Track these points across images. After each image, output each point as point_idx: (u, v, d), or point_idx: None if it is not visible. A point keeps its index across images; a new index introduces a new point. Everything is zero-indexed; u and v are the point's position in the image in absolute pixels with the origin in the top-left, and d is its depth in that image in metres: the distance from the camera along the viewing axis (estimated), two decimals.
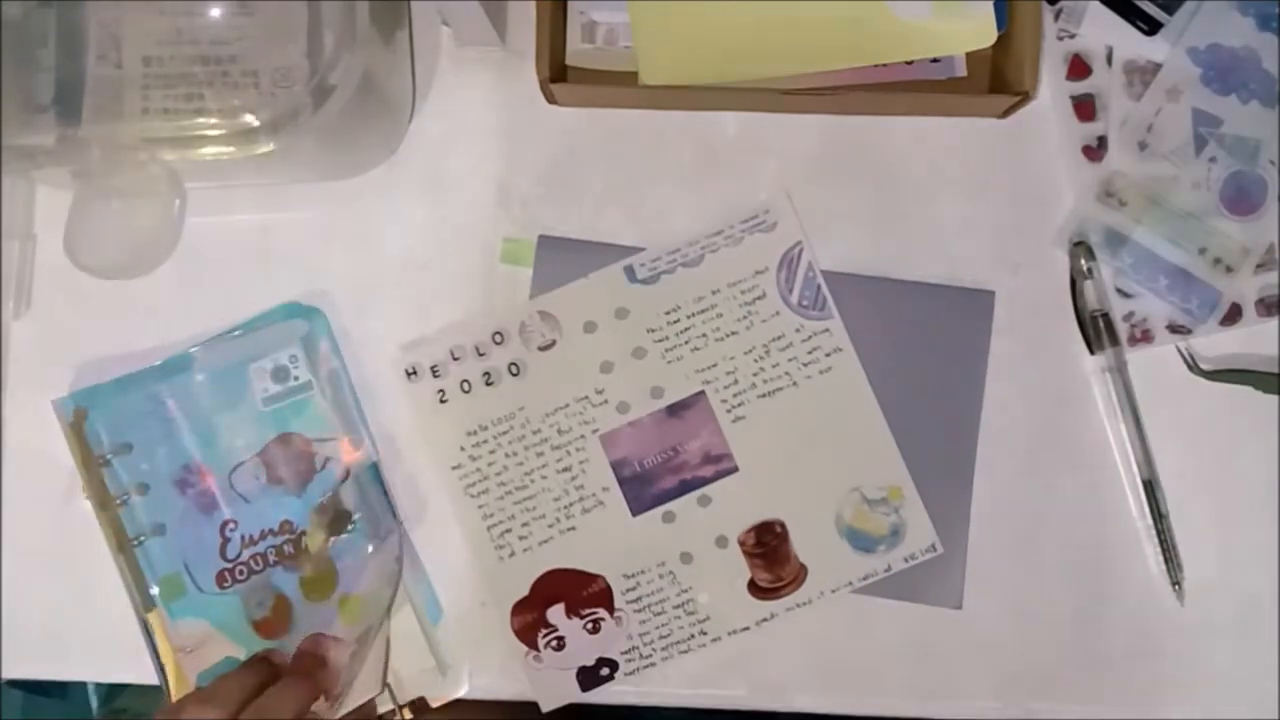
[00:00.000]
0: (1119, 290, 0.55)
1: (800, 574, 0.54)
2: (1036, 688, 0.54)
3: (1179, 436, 0.55)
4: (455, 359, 0.55)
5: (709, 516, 0.55)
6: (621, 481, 0.55)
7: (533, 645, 0.54)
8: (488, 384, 0.55)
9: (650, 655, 0.54)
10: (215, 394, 0.55)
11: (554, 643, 0.54)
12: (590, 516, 0.55)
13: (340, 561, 0.54)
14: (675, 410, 0.55)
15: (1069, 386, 0.55)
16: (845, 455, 0.54)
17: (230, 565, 0.54)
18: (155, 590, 0.54)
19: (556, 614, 0.54)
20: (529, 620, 0.54)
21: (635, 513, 0.55)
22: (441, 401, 0.55)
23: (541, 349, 0.55)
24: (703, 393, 0.55)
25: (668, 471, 0.55)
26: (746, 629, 0.54)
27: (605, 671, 0.55)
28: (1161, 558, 0.54)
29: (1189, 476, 0.54)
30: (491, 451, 0.55)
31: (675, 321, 0.55)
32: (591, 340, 0.55)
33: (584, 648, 0.54)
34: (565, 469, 0.55)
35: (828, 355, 0.55)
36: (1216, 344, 0.55)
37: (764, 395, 0.55)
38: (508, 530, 0.55)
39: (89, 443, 0.55)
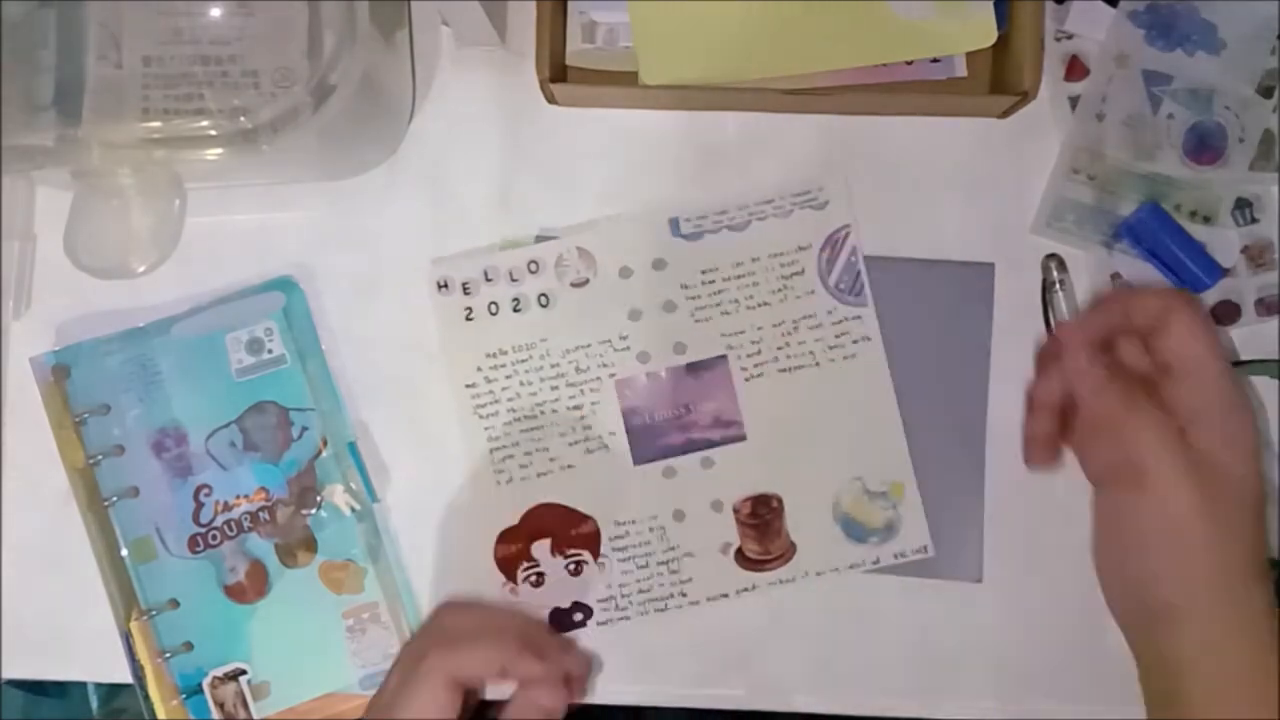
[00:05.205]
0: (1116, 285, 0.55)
1: (789, 551, 0.54)
2: (1037, 687, 0.54)
3: None
4: (488, 280, 0.55)
5: (709, 479, 0.55)
6: (629, 429, 0.55)
7: (511, 577, 0.54)
8: (515, 310, 0.55)
9: (626, 608, 0.54)
10: (194, 360, 0.55)
11: (533, 578, 0.54)
12: (592, 458, 0.55)
13: (320, 531, 0.54)
14: (694, 369, 0.55)
15: None
16: (854, 443, 0.54)
17: (203, 530, 0.54)
18: (125, 552, 0.54)
19: (541, 549, 0.54)
20: (512, 551, 0.54)
21: (637, 462, 0.55)
22: (467, 319, 0.55)
23: (574, 285, 0.55)
24: (724, 357, 0.55)
25: (676, 428, 0.55)
26: (725, 596, 0.54)
27: (579, 617, 0.54)
28: None
29: None
30: (508, 376, 0.55)
31: (710, 282, 0.55)
32: (625, 285, 0.55)
33: (562, 588, 0.54)
34: (576, 407, 0.55)
35: (855, 342, 0.55)
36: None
37: (785, 370, 0.55)
38: (509, 456, 0.55)
39: (69, 400, 0.55)
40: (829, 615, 0.55)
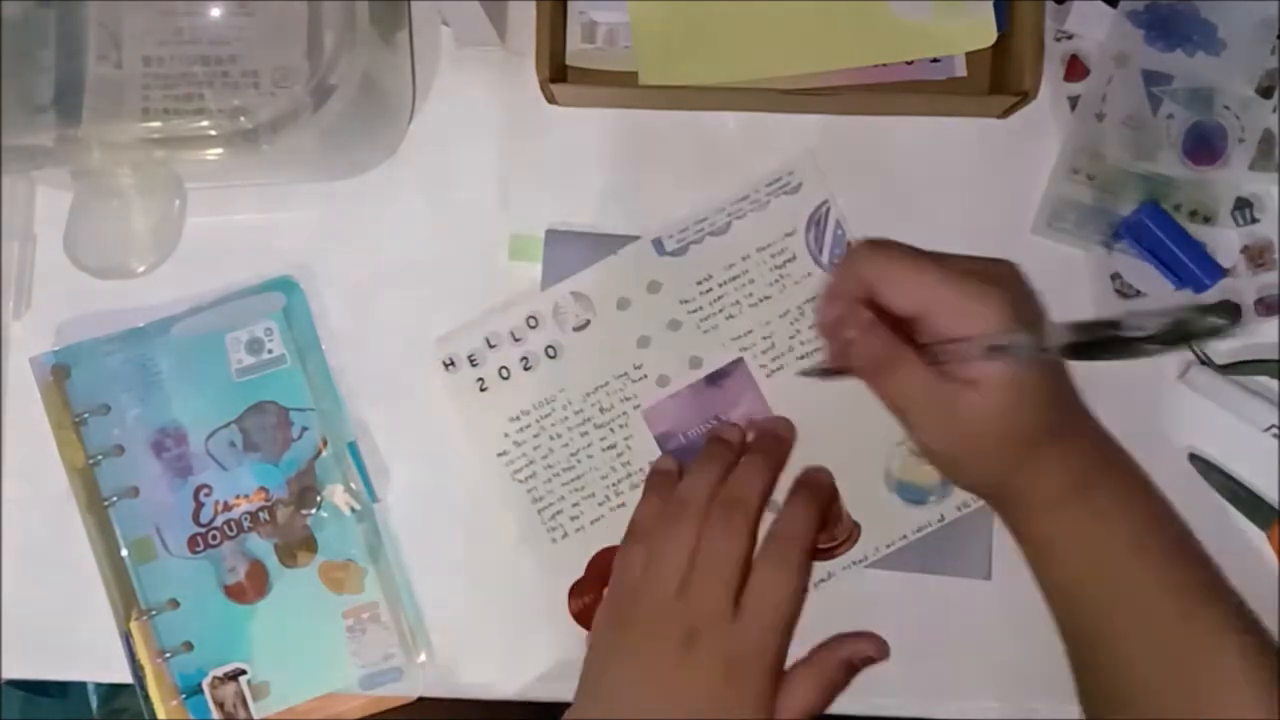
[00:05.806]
0: (1117, 291, 0.55)
1: (854, 532, 0.54)
2: (1037, 687, 0.54)
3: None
4: (491, 346, 0.55)
5: None
6: (667, 454, 0.55)
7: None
8: (526, 369, 0.55)
9: None
10: (194, 360, 0.55)
11: None
12: (639, 492, 0.54)
13: (320, 531, 0.54)
14: (715, 379, 0.55)
15: None
16: None
17: (203, 530, 0.54)
18: (125, 552, 0.54)
19: None
20: (587, 602, 0.54)
21: None
22: (481, 390, 0.55)
23: (576, 329, 0.55)
24: (741, 360, 0.55)
25: None
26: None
27: None
28: None
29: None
30: (536, 435, 0.55)
31: (708, 291, 0.55)
32: (626, 316, 0.55)
33: None
34: (610, 446, 0.55)
35: None
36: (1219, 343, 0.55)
37: (802, 357, 0.55)
38: (559, 512, 0.55)
39: (69, 400, 0.55)
40: (829, 614, 0.54)
